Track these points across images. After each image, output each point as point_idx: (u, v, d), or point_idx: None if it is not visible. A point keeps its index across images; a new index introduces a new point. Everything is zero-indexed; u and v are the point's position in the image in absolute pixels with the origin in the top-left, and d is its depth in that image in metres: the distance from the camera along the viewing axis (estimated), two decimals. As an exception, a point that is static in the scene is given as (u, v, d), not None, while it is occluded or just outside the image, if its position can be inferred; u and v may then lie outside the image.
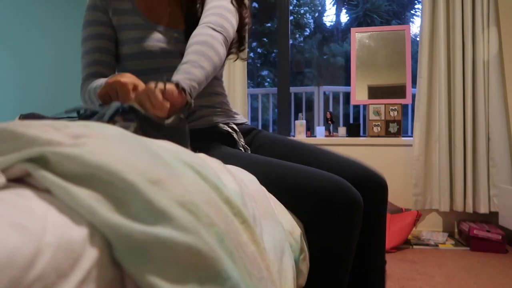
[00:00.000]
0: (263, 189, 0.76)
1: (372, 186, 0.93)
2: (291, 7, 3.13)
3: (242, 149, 1.04)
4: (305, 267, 0.79)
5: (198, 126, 1.06)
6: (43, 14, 2.62)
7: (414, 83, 2.63)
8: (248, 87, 2.81)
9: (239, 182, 0.63)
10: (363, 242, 0.91)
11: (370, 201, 0.91)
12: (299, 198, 0.83)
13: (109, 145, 0.39)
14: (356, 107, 4.42)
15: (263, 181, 0.81)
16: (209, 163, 0.61)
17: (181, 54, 0.97)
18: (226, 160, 0.83)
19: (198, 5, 1.07)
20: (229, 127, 1.08)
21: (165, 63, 1.05)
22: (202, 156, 0.65)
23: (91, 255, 0.33)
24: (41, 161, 0.37)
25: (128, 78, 0.80)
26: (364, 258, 0.94)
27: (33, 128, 0.39)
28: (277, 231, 0.66)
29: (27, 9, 2.49)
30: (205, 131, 1.07)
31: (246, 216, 0.49)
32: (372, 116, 2.64)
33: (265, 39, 7.94)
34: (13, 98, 2.40)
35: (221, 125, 1.08)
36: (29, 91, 2.50)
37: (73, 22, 2.91)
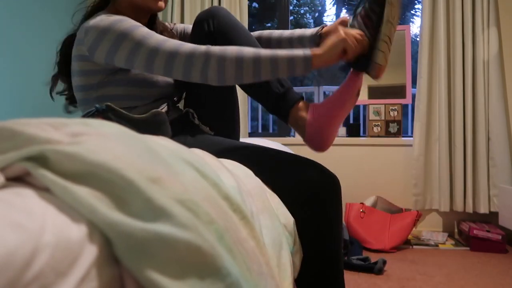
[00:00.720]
0: (259, 183, 0.77)
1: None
2: (291, 7, 3.13)
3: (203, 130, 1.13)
4: (298, 259, 0.80)
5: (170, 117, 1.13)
6: (41, 14, 2.62)
7: (414, 83, 2.63)
8: (248, 87, 2.81)
9: (236, 178, 0.64)
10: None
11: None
12: (277, 180, 0.87)
13: (108, 143, 0.39)
14: (356, 107, 4.42)
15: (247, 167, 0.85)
16: (206, 159, 0.61)
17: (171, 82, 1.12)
18: (207, 147, 0.88)
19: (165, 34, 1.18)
20: (189, 113, 1.15)
21: (162, 91, 1.11)
22: (199, 152, 0.65)
23: (90, 254, 0.33)
24: (41, 160, 0.37)
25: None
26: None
27: (32, 126, 0.39)
28: (275, 225, 0.67)
29: (25, 9, 2.49)
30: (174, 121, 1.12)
31: (245, 212, 0.49)
32: (372, 116, 2.64)
33: (265, 39, 7.92)
34: (11, 99, 2.40)
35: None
36: (26, 92, 2.50)
37: (70, 21, 2.91)
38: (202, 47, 0.92)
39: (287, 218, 0.80)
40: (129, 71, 1.05)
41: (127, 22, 0.98)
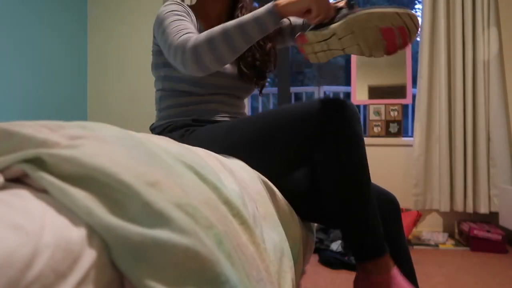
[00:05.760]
0: (268, 187, 0.76)
1: (385, 207, 0.96)
2: (291, 7, 3.11)
3: None
4: (297, 272, 0.79)
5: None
6: (41, 15, 2.62)
7: (414, 83, 2.63)
8: (248, 87, 2.81)
9: (240, 181, 0.63)
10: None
11: (385, 221, 0.95)
12: (298, 123, 0.86)
13: (106, 146, 0.39)
14: (357, 107, 4.42)
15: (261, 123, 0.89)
16: (209, 162, 0.60)
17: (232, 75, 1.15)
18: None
19: None
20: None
21: (225, 82, 1.14)
22: (202, 153, 0.64)
23: (90, 255, 0.33)
24: (38, 161, 0.36)
25: None
26: None
27: (28, 128, 0.39)
28: (277, 232, 0.66)
29: (26, 10, 2.49)
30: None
31: (245, 217, 0.49)
32: (372, 116, 2.64)
33: (265, 39, 7.90)
34: (22, 98, 2.40)
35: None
36: (27, 93, 2.50)
37: (80, 20, 2.91)
38: (184, 37, 0.97)
39: (295, 228, 0.79)
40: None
41: (171, 8, 1.07)
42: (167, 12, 1.07)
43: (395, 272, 0.86)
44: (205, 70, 0.96)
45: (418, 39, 2.64)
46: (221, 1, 1.19)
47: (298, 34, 0.93)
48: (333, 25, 0.89)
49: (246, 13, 1.13)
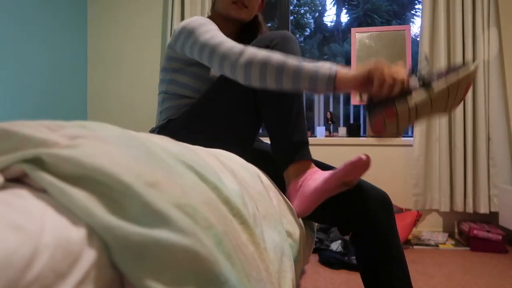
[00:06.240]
0: (268, 186, 0.76)
1: (375, 204, 0.98)
2: (291, 7, 3.13)
3: None
4: (299, 269, 0.79)
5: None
6: (41, 15, 2.62)
7: (414, 83, 2.63)
8: (248, 87, 2.81)
9: (240, 181, 0.63)
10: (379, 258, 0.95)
11: (376, 217, 0.96)
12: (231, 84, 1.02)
13: (105, 146, 0.39)
14: (356, 107, 4.41)
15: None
16: (208, 161, 0.60)
17: None
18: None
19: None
20: None
21: None
22: (201, 153, 0.64)
23: (89, 255, 0.33)
24: (38, 161, 0.36)
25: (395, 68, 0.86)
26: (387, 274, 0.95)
27: (28, 127, 0.39)
28: (277, 231, 0.66)
29: (25, 10, 2.49)
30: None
31: (245, 217, 0.49)
32: (372, 116, 2.64)
33: (265, 39, 7.90)
34: (22, 98, 2.40)
35: None
36: (27, 93, 2.50)
37: (80, 20, 2.91)
38: (238, 48, 0.98)
39: (294, 227, 0.79)
40: (200, 67, 1.18)
41: (202, 25, 1.10)
42: (198, 24, 1.09)
43: (312, 170, 0.95)
44: (247, 85, 0.98)
45: (418, 39, 2.64)
46: (231, 25, 1.28)
47: (385, 110, 0.86)
48: (431, 90, 0.84)
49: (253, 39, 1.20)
